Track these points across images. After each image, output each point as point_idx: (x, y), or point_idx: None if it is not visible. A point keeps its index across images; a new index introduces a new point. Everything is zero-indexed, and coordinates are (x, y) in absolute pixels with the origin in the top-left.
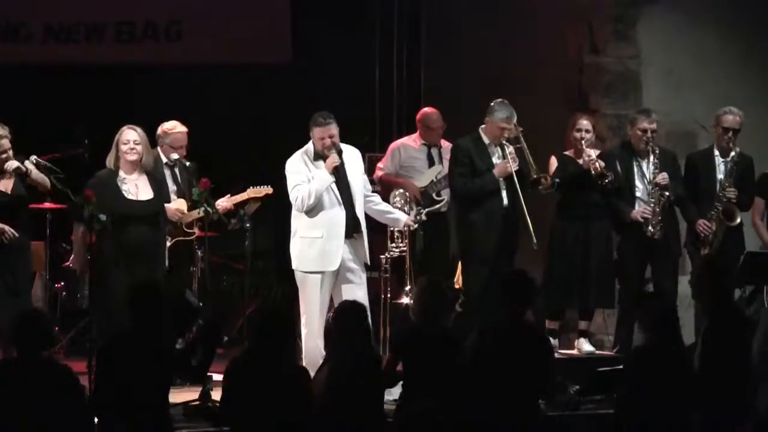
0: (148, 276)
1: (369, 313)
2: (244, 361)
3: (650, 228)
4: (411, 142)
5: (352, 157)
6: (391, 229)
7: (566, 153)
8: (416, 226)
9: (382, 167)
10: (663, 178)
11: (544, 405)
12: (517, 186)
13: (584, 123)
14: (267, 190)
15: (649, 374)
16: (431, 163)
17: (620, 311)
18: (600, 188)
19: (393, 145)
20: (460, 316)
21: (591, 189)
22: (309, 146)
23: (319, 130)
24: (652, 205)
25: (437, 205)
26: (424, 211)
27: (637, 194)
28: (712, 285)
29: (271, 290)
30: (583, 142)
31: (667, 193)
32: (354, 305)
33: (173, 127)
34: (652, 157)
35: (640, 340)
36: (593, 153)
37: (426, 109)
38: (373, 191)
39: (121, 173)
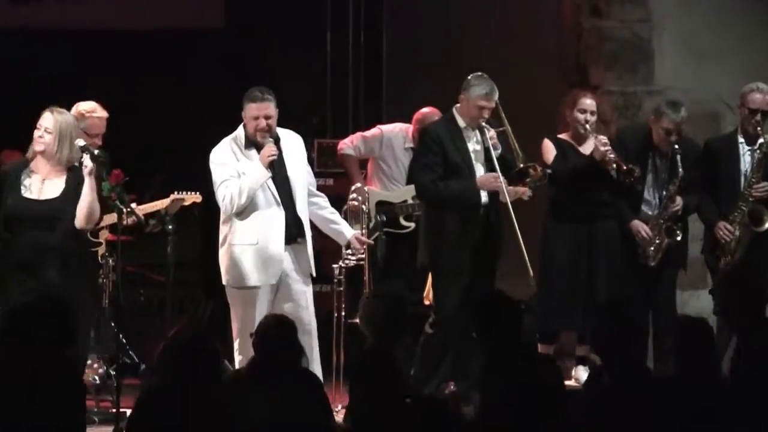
0: (39, 289)
1: (315, 333)
2: (156, 398)
3: (646, 252)
4: (402, 137)
5: (293, 146)
6: None
7: (562, 137)
8: (362, 251)
9: (352, 145)
10: (677, 205)
11: None
12: (506, 196)
13: (588, 102)
14: (194, 197)
15: (677, 410)
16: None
17: None
18: (617, 184)
19: (382, 129)
20: (430, 339)
21: (598, 184)
22: (239, 132)
23: (253, 107)
24: (655, 231)
25: (402, 231)
26: (378, 233)
27: (645, 196)
28: (741, 301)
29: (199, 307)
30: (587, 125)
31: (677, 234)
32: (280, 320)
33: (92, 111)
34: (669, 189)
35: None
36: (605, 139)
37: (426, 110)
38: (324, 176)
39: (32, 165)
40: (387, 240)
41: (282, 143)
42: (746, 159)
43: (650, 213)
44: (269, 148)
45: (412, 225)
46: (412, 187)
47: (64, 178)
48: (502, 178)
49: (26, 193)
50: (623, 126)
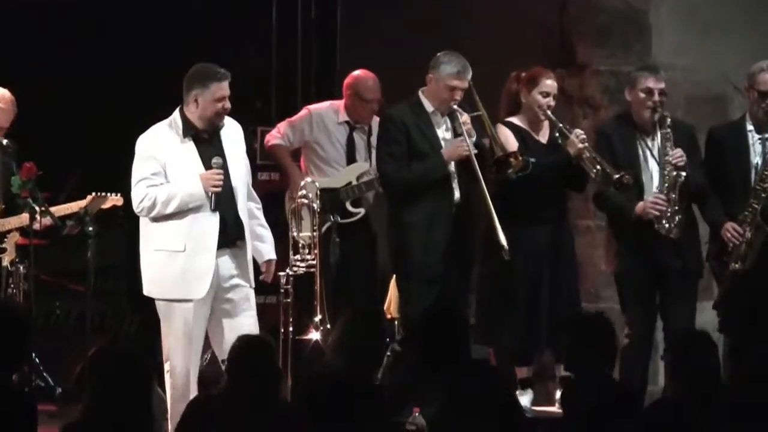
0: None
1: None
2: (82, 427)
3: (665, 224)
4: (333, 113)
5: (234, 136)
6: (294, 233)
7: (516, 122)
8: (285, 277)
9: (280, 134)
10: (678, 156)
11: None
12: (477, 170)
13: (550, 84)
14: (115, 199)
15: None
16: (351, 153)
17: (624, 360)
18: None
19: (309, 110)
20: (399, 359)
21: (565, 180)
22: (176, 117)
23: (220, 86)
24: (666, 192)
25: (351, 219)
26: (333, 221)
27: (645, 186)
28: (750, 312)
29: (124, 321)
30: (548, 110)
31: (684, 174)
32: (256, 342)
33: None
34: (661, 130)
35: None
36: (582, 134)
37: (359, 73)
38: (268, 170)
39: None
40: (341, 242)
41: (222, 134)
42: (757, 149)
43: (653, 190)
44: (215, 176)
45: (362, 211)
46: (354, 166)
47: None
48: (469, 142)
49: None
50: (607, 118)
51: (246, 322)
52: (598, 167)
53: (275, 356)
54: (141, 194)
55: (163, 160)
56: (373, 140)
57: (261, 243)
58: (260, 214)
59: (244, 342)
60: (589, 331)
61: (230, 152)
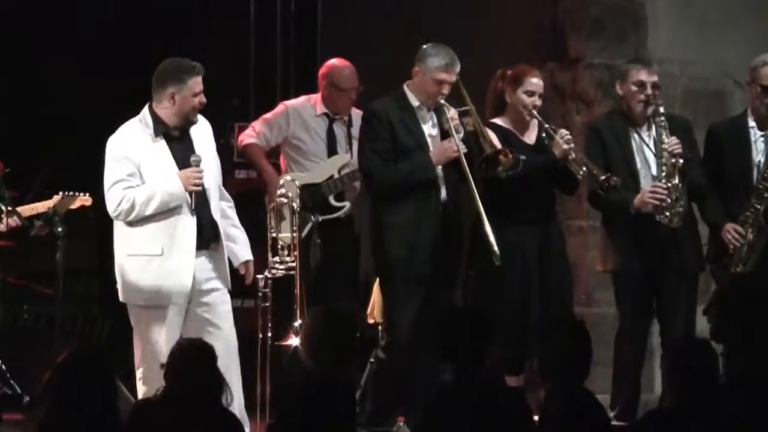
0: None
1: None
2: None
3: (666, 213)
4: (310, 106)
5: (204, 134)
6: (273, 234)
7: (500, 123)
8: (263, 281)
9: (255, 133)
10: (674, 143)
11: None
12: (466, 170)
13: (535, 83)
14: (84, 199)
15: None
16: (332, 146)
17: (618, 358)
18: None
19: (285, 105)
20: (383, 366)
21: (554, 182)
22: (145, 116)
23: (196, 81)
24: (665, 180)
25: (336, 213)
26: (314, 222)
27: (641, 180)
28: (744, 319)
29: (95, 326)
30: (534, 110)
31: (682, 161)
32: (196, 347)
33: None
34: (655, 120)
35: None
36: (567, 134)
37: (334, 61)
38: (246, 168)
39: None
40: (323, 243)
41: (192, 132)
42: (759, 147)
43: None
44: (195, 173)
45: (346, 204)
46: (335, 158)
47: None
48: (459, 142)
49: None
50: (597, 116)
51: (224, 328)
52: (585, 169)
53: (215, 362)
54: (118, 197)
55: (136, 161)
56: (354, 131)
57: (235, 244)
58: (233, 213)
59: (183, 346)
60: (560, 339)
61: (201, 151)
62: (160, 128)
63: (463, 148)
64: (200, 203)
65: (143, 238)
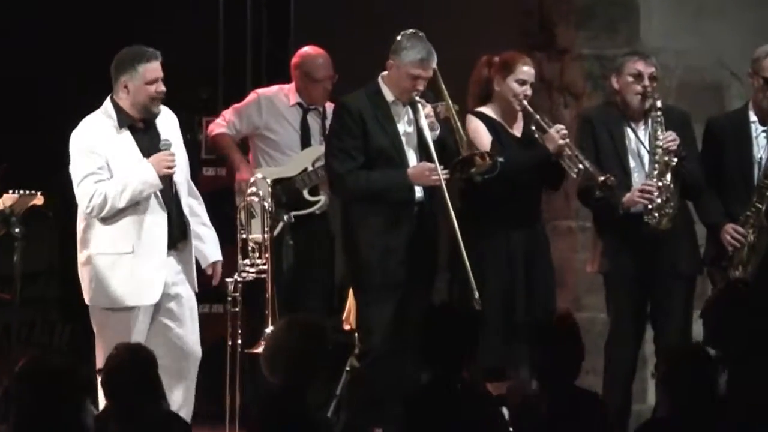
0: None
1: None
2: None
3: (655, 215)
4: (284, 96)
5: (171, 127)
6: (244, 236)
7: (488, 113)
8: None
9: (225, 122)
10: (670, 139)
11: None
12: (446, 199)
13: (527, 71)
14: (33, 198)
15: None
16: (305, 138)
17: (608, 365)
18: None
19: (257, 93)
20: (358, 375)
21: (540, 178)
22: (108, 108)
23: (151, 68)
24: (656, 179)
25: (311, 209)
26: (286, 221)
27: (634, 176)
28: (740, 325)
29: (54, 332)
30: (524, 100)
31: (676, 159)
32: (133, 352)
33: None
34: (651, 115)
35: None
36: (563, 129)
37: (307, 50)
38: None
39: None
40: (296, 244)
41: (159, 123)
42: (760, 143)
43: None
44: (167, 156)
45: (321, 198)
46: (308, 150)
47: None
48: (440, 170)
49: None
50: (589, 108)
51: (187, 337)
52: (581, 166)
53: (154, 369)
54: (89, 191)
55: (104, 154)
56: (328, 123)
57: (203, 243)
58: (202, 210)
59: (121, 352)
60: (549, 338)
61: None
62: (124, 119)
63: (444, 174)
64: (169, 201)
65: (111, 236)
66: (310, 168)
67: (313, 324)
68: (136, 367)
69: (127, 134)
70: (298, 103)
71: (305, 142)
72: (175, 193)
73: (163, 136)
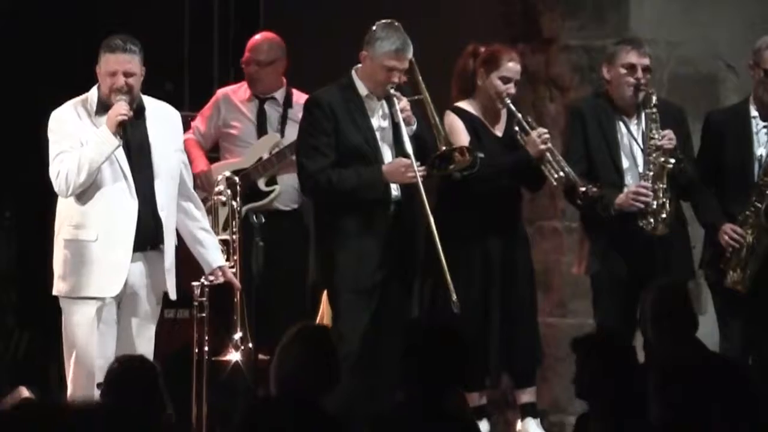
0: None
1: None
2: None
3: (650, 219)
4: (243, 91)
5: (165, 123)
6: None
7: (469, 109)
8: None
9: (191, 130)
10: (667, 138)
11: None
12: (423, 198)
13: (512, 67)
14: None
15: None
16: (261, 127)
17: None
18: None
19: (218, 93)
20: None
21: (519, 180)
22: (92, 94)
23: (111, 59)
24: (650, 179)
25: (265, 200)
26: (256, 222)
27: (626, 176)
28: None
29: (11, 340)
30: (507, 98)
31: (673, 161)
32: (138, 364)
33: None
34: (645, 110)
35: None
36: (545, 133)
37: (256, 37)
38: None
39: None
40: (266, 246)
41: (149, 116)
42: (761, 139)
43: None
44: (120, 106)
45: (276, 188)
46: (264, 139)
47: None
48: (416, 167)
49: None
50: (579, 99)
51: (143, 339)
52: (561, 174)
53: (159, 382)
54: (55, 170)
55: (76, 136)
56: (292, 114)
57: (204, 249)
58: (201, 215)
59: (124, 364)
60: (600, 351)
61: (156, 139)
62: (103, 106)
63: (421, 171)
64: (145, 195)
65: (76, 223)
66: (266, 156)
67: (321, 333)
68: (139, 381)
69: (101, 120)
70: (254, 95)
71: (261, 132)
72: (151, 188)
73: (150, 131)
